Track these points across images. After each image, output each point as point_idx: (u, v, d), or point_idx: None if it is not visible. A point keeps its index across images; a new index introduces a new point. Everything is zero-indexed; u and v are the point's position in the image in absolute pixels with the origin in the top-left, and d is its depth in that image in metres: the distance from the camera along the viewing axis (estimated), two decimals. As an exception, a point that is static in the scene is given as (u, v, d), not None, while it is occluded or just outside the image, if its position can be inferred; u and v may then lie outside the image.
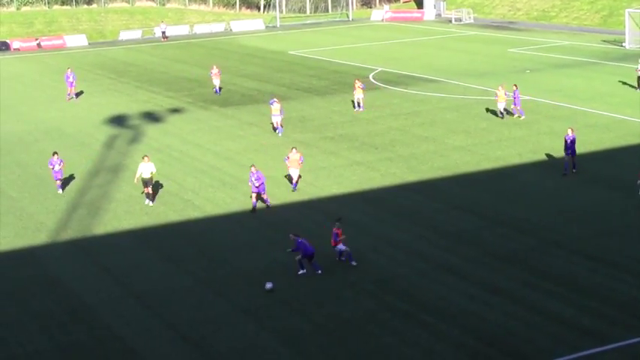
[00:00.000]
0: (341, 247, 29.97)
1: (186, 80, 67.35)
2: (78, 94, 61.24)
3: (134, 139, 48.55)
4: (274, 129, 48.41)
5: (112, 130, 50.77)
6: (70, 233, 34.15)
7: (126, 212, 36.33)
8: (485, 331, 25.21)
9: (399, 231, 33.38)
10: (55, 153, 39.13)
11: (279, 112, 47.96)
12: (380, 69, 68.66)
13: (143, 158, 37.53)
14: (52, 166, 38.72)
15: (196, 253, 31.86)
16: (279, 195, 37.91)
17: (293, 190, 38.08)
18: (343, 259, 30.07)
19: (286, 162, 38.38)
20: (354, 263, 29.67)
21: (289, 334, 25.43)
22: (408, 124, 49.53)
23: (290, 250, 29.57)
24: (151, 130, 50.64)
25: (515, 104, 49.49)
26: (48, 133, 50.75)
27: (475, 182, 38.79)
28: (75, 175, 41.64)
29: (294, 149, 38.39)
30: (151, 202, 37.02)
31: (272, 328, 25.87)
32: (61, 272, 30.42)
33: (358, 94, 53.16)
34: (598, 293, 27.15)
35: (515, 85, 50.01)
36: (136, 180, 37.19)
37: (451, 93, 57.88)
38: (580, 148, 39.89)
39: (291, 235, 29.42)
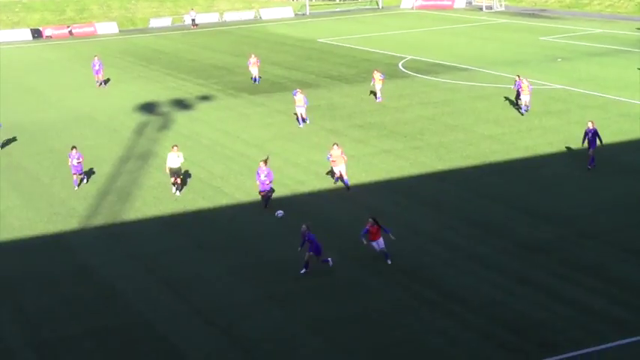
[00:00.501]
0: (380, 243, 29.05)
1: (216, 68, 67.55)
2: (106, 82, 61.63)
3: (164, 127, 48.83)
4: (299, 120, 48.00)
5: (142, 117, 51.08)
6: (100, 219, 34.47)
7: (155, 199, 36.59)
8: (513, 321, 25.17)
9: (427, 220, 33.36)
10: (73, 147, 38.53)
11: (302, 103, 47.40)
12: (409, 57, 68.45)
13: (172, 148, 37.10)
14: (70, 159, 38.17)
15: (225, 240, 32.04)
16: (307, 183, 38.00)
17: (348, 189, 36.80)
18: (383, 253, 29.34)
19: (329, 159, 37.22)
20: (389, 262, 29.19)
21: (317, 322, 25.55)
22: (438, 113, 49.39)
23: (300, 247, 28.75)
24: (180, 117, 50.89)
25: (519, 95, 48.60)
26: (79, 119, 51.14)
27: (504, 172, 38.63)
28: (105, 162, 41.98)
29: (335, 145, 37.07)
30: (178, 192, 36.97)
31: (300, 315, 26.01)
32: (91, 258, 30.74)
33: (377, 85, 52.56)
34: (628, 284, 27.00)
35: (518, 76, 49.35)
36: (167, 169, 37.08)
37: (481, 82, 57.61)
38: (612, 138, 39.62)
39: (303, 226, 28.36)
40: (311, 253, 28.35)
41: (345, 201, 35.76)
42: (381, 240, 29.00)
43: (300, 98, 47.37)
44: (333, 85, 58.56)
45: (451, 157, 41.16)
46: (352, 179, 38.32)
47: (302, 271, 28.57)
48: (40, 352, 24.30)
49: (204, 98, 55.83)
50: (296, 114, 48.35)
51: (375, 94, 52.93)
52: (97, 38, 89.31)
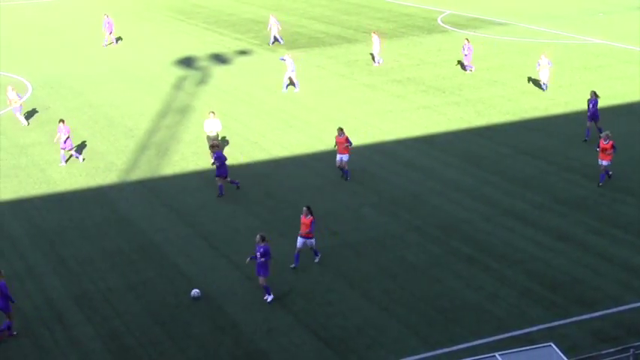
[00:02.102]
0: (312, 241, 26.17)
1: (254, 22, 67.19)
2: (117, 40, 60.89)
3: (202, 81, 48.78)
4: (287, 85, 45.80)
5: (180, 72, 51.05)
6: (139, 173, 34.62)
7: (193, 153, 36.65)
8: (551, 277, 25.00)
9: (465, 175, 33.12)
10: (61, 120, 35.96)
11: (292, 69, 45.20)
12: (449, 12, 67.59)
13: (209, 114, 35.55)
14: (59, 134, 35.67)
15: (262, 195, 32.07)
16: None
17: (347, 180, 32.96)
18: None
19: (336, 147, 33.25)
20: (316, 260, 26.58)
21: (354, 276, 25.57)
22: (477, 68, 48.78)
23: (256, 255, 24.06)
24: (218, 71, 50.79)
25: (465, 60, 47.48)
26: (117, 74, 51.22)
27: (544, 127, 38.17)
28: (144, 116, 42.09)
29: (341, 131, 32.73)
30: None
31: (337, 269, 26.03)
32: (130, 211, 30.93)
33: (376, 47, 50.44)
34: (668, 241, 26.68)
35: (467, 39, 47.99)
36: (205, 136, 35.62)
37: (521, 36, 56.77)
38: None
39: (257, 236, 24.13)
40: (260, 275, 24.19)
41: (383, 155, 35.57)
42: (310, 240, 26.06)
43: (289, 63, 45.30)
44: (370, 40, 57.96)
45: (490, 112, 40.73)
46: (390, 134, 38.10)
47: (268, 299, 24.33)
48: (80, 304, 24.57)
49: (242, 53, 55.61)
50: (289, 79, 45.89)
51: (373, 57, 50.99)
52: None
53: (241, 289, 25.17)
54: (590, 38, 54.66)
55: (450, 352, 21.58)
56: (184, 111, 42.94)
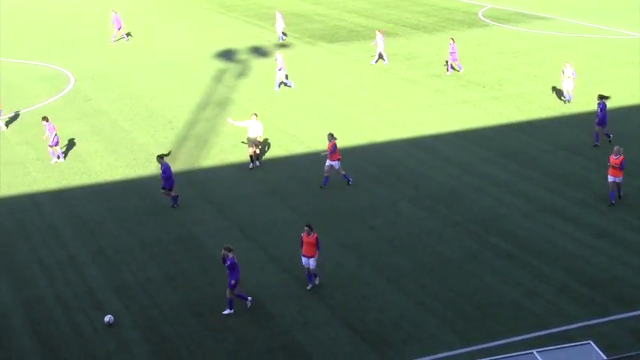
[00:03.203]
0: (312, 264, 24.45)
1: (294, 15, 67.23)
2: (127, 35, 60.23)
3: (241, 74, 48.92)
4: (280, 85, 45.10)
5: (220, 64, 51.25)
6: (178, 165, 34.83)
7: (232, 146, 36.79)
8: (590, 274, 24.78)
9: (504, 171, 32.91)
10: (44, 118, 35.82)
11: (282, 67, 44.47)
12: (489, 6, 67.11)
13: (252, 116, 34.24)
14: (49, 132, 35.32)
15: (300, 188, 32.12)
16: (385, 132, 37.77)
17: (322, 186, 31.88)
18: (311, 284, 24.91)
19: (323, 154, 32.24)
20: (309, 286, 24.70)
21: (390, 270, 25.53)
22: (517, 63, 48.44)
23: (226, 264, 23.43)
24: (258, 64, 50.89)
25: (452, 59, 46.35)
26: (157, 66, 51.54)
27: (584, 123, 37.74)
28: (183, 109, 42.33)
29: (331, 136, 31.57)
30: (255, 163, 33.98)
31: (373, 263, 26.01)
32: (169, 203, 31.11)
33: (380, 45, 49.28)
34: None
35: (452, 39, 46.92)
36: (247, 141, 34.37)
37: (563, 31, 56.21)
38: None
39: (223, 251, 23.53)
40: (233, 286, 23.44)
41: (421, 150, 35.45)
42: (313, 260, 24.33)
43: (279, 61, 44.70)
44: (411, 34, 57.81)
45: (530, 107, 40.41)
46: (429, 129, 37.95)
47: (225, 312, 23.57)
48: (119, 293, 24.82)
49: (282, 46, 55.66)
50: (281, 79, 45.16)
51: (380, 55, 49.60)
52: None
53: (278, 281, 25.25)
54: (633, 33, 53.98)
55: (486, 348, 21.46)
56: (224, 104, 43.11)
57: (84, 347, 22.25)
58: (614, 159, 28.94)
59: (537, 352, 17.66)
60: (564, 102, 40.43)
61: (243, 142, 34.56)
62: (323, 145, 36.44)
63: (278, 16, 57.30)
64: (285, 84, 45.31)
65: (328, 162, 31.54)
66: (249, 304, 23.77)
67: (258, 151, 34.27)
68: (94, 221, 29.79)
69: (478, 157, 34.51)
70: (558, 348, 18.15)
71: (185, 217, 29.99)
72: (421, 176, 32.74)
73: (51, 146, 35.53)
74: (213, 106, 42.87)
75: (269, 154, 35.62)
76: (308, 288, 24.57)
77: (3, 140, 38.15)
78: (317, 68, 49.47)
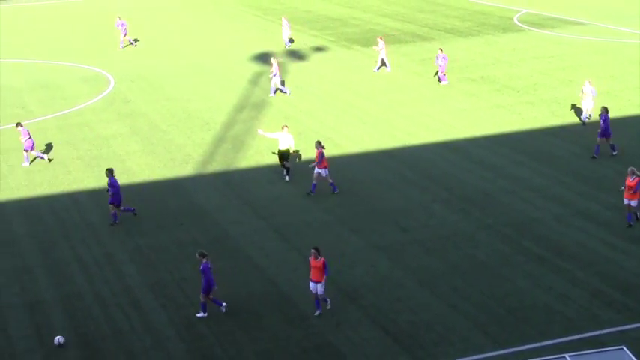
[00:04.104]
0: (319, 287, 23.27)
1: (330, 19, 67.33)
2: (135, 41, 59.35)
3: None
4: (275, 90, 44.78)
5: (256, 67, 51.43)
6: (214, 166, 35.02)
7: (268, 148, 36.90)
8: (623, 279, 24.57)
9: (537, 175, 32.72)
10: (18, 124, 35.84)
11: (277, 73, 44.23)
12: (525, 11, 66.73)
13: (282, 128, 33.31)
14: (23, 137, 35.34)
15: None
16: (419, 134, 37.71)
17: (309, 194, 31.66)
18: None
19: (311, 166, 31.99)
20: (318, 311, 23.56)
21: (423, 273, 25.49)
22: (552, 68, 48.13)
23: (201, 267, 23.49)
24: (294, 67, 51.02)
25: (441, 70, 45.37)
26: (194, 68, 51.83)
27: (619, 128, 37.36)
28: (220, 110, 42.55)
29: (318, 144, 31.33)
30: (287, 177, 33.06)
31: (406, 265, 25.98)
32: (205, 203, 31.32)
33: (382, 54, 48.80)
34: None
35: (441, 49, 46.15)
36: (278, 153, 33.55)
37: (599, 36, 55.75)
38: None
39: (197, 254, 23.79)
40: (205, 291, 23.47)
41: (455, 153, 35.35)
42: (321, 285, 23.22)
43: (274, 67, 44.25)
44: (446, 38, 57.64)
45: (564, 112, 40.12)
46: (462, 132, 37.81)
47: (199, 315, 23.66)
48: (155, 291, 25.02)
49: (318, 49, 55.77)
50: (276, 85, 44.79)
51: (383, 61, 49.04)
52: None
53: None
54: (669, 39, 53.46)
55: (518, 351, 21.37)
56: (260, 106, 43.27)
57: (121, 343, 22.47)
58: (629, 181, 27.49)
59: (569, 356, 17.54)
60: (582, 124, 37.88)
61: (273, 153, 34.48)
62: (358, 147, 36.53)
63: (284, 22, 56.78)
64: (281, 90, 45.00)
65: (316, 170, 31.29)
66: (223, 309, 23.70)
67: (287, 165, 33.25)
68: (131, 220, 30.04)
69: (511, 160, 34.34)
70: (591, 353, 18.00)
71: (221, 217, 30.15)
72: (454, 179, 32.65)
73: (26, 151, 35.54)
74: (249, 108, 43.04)
75: (303, 157, 35.66)
76: (315, 314, 23.36)
77: (46, 140, 38.60)
78: (352, 71, 49.47)
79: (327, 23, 65.70)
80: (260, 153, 36.34)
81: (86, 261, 27.14)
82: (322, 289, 23.23)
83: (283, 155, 33.06)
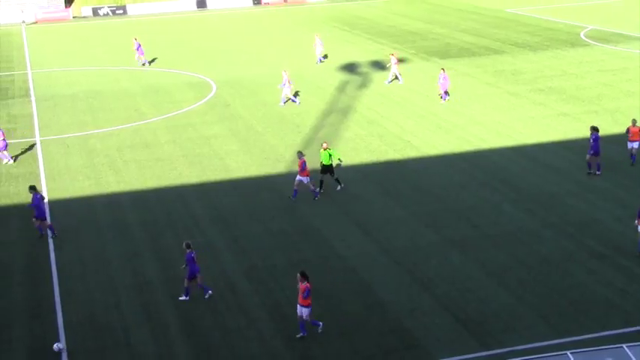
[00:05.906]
0: (304, 311, 21.61)
1: (410, 33, 66.97)
2: (151, 61, 58.60)
3: (362, 85, 49.05)
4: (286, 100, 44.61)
5: (343, 76, 51.51)
6: (309, 165, 35.13)
7: (352, 149, 36.95)
8: (680, 277, 23.84)
9: (600, 179, 31.95)
10: None
11: (287, 83, 44.04)
12: (591, 27, 65.20)
13: (322, 145, 32.11)
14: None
15: (411, 189, 32.01)
16: (491, 140, 37.25)
17: (315, 198, 31.19)
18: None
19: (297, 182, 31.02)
20: (319, 329, 21.96)
21: (491, 266, 25.19)
22: (616, 80, 46.93)
23: (183, 266, 24.17)
24: (377, 77, 50.92)
25: (442, 87, 43.74)
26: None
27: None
28: (310, 115, 42.75)
29: (300, 154, 30.95)
30: (318, 194, 31.24)
31: (476, 259, 25.71)
32: (295, 199, 31.46)
33: (394, 69, 48.32)
34: None
35: (443, 69, 44.39)
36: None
37: (661, 50, 54.12)
38: None
39: (183, 245, 24.06)
40: (189, 277, 23.72)
41: (523, 157, 34.80)
42: (306, 309, 21.47)
43: (284, 78, 44.07)
44: (517, 52, 56.73)
45: (627, 121, 39.00)
46: (531, 138, 37.20)
47: (181, 298, 23.80)
48: (249, 277, 25.31)
49: (399, 61, 55.49)
50: (287, 96, 44.67)
51: (395, 76, 48.46)
52: (307, 5, 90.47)
53: (389, 271, 25.25)
54: None
55: (578, 340, 20.93)
56: (346, 111, 43.33)
57: (218, 320, 22.81)
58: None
59: (627, 346, 17.16)
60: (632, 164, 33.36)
61: (337, 165, 32.64)
62: (434, 150, 36.26)
63: (317, 40, 55.95)
64: (292, 100, 44.74)
65: (298, 177, 30.71)
66: (206, 296, 23.77)
67: (336, 176, 31.80)
68: (228, 212, 30.45)
69: (576, 165, 33.63)
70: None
71: (308, 211, 30.32)
72: (522, 181, 32.15)
73: (0, 150, 35.82)
74: (336, 113, 43.13)
75: (384, 158, 35.62)
76: (298, 336, 21.48)
77: (154, 139, 39.39)
78: (431, 81, 49.10)
79: (408, 37, 65.36)
80: (345, 154, 36.29)
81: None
82: (307, 313, 21.42)
83: (323, 171, 31.58)
